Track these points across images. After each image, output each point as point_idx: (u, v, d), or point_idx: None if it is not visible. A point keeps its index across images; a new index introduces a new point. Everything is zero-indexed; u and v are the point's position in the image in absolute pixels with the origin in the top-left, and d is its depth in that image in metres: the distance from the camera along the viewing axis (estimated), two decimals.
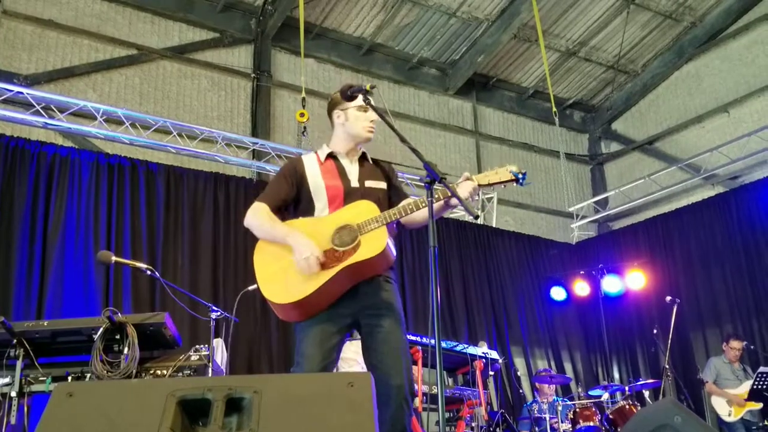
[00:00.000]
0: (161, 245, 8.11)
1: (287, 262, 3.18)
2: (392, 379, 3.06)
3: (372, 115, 3.45)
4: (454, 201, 3.23)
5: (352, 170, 3.46)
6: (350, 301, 3.22)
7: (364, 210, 3.27)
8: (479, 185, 3.32)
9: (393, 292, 3.33)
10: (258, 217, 3.33)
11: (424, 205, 3.19)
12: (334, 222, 3.25)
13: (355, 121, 3.45)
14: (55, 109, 8.11)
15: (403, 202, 3.32)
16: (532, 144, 12.55)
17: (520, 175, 3.36)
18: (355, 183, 3.41)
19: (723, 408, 8.29)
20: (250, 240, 3.54)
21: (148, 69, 9.18)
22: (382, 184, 3.50)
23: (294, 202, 3.44)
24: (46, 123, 8.02)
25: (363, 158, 3.54)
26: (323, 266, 3.13)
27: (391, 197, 3.50)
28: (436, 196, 3.16)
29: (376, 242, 3.18)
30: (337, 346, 3.23)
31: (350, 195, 3.36)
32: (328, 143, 3.56)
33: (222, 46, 9.80)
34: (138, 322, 4.11)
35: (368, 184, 3.44)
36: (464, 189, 3.26)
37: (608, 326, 10.75)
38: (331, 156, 3.49)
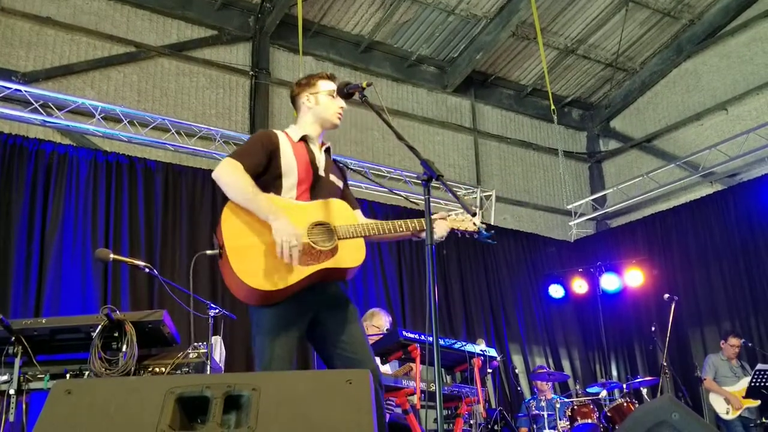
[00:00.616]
0: (159, 243, 8.11)
1: (262, 242, 3.07)
2: (368, 365, 3.10)
3: (341, 102, 3.47)
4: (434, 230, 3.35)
5: (321, 159, 3.43)
6: (310, 294, 3.14)
7: (340, 212, 3.27)
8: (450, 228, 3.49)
9: (346, 291, 3.39)
10: (237, 177, 3.14)
11: (401, 229, 3.34)
12: (310, 214, 3.19)
13: (326, 106, 3.46)
14: (53, 107, 8.11)
15: (378, 221, 3.36)
16: (530, 142, 12.55)
17: (485, 232, 3.49)
18: (322, 172, 3.40)
19: (721, 406, 8.30)
20: None
21: (147, 66, 9.17)
22: (340, 183, 3.52)
23: (258, 176, 3.30)
24: (44, 120, 8.01)
25: (327, 152, 3.53)
26: (300, 262, 3.08)
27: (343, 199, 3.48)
28: (413, 225, 3.36)
29: (357, 253, 3.21)
30: (298, 346, 3.23)
31: (317, 183, 3.34)
32: (295, 127, 3.51)
33: (220, 44, 9.78)
34: (136, 319, 4.10)
35: (332, 177, 3.45)
36: (441, 226, 3.42)
37: (606, 324, 10.77)
38: (303, 139, 3.43)
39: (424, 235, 3.27)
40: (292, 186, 3.27)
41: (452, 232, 3.51)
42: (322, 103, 3.46)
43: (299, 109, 3.53)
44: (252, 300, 3.09)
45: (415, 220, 3.34)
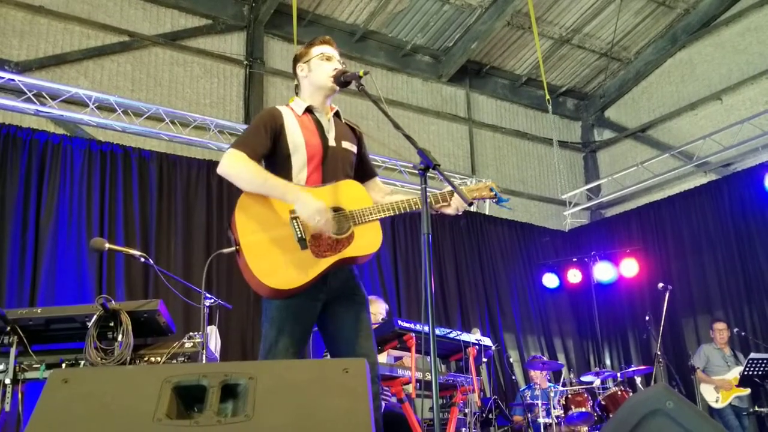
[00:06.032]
0: (154, 232, 8.11)
1: (277, 235, 3.02)
2: (370, 358, 3.06)
3: (336, 64, 3.34)
4: (448, 210, 3.26)
5: (329, 127, 3.33)
6: (322, 282, 3.09)
7: (354, 194, 3.18)
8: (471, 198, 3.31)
9: (357, 275, 3.32)
10: (242, 166, 3.06)
11: (417, 206, 3.16)
12: (323, 199, 3.08)
13: (318, 70, 3.33)
14: (46, 96, 8.08)
15: (396, 199, 3.24)
16: (525, 131, 12.55)
17: (501, 197, 3.37)
18: (332, 141, 3.28)
19: (711, 395, 8.34)
20: None
21: (140, 56, 9.13)
22: (355, 148, 3.40)
23: (266, 158, 3.21)
24: (37, 110, 7.98)
25: (336, 116, 3.43)
26: (317, 254, 3.04)
27: (359, 165, 3.41)
28: (430, 200, 3.15)
29: (373, 238, 3.12)
30: (307, 338, 3.21)
31: (328, 154, 3.24)
32: (299, 99, 3.40)
33: (214, 33, 9.74)
34: (132, 309, 4.10)
35: (344, 144, 3.34)
36: (456, 200, 3.23)
37: (600, 313, 10.82)
38: (308, 110, 3.32)
39: (443, 210, 3.26)
40: (302, 165, 3.19)
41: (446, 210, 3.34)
42: (314, 69, 3.33)
43: (299, 82, 3.42)
44: (269, 295, 3.05)
45: (430, 195, 3.09)
